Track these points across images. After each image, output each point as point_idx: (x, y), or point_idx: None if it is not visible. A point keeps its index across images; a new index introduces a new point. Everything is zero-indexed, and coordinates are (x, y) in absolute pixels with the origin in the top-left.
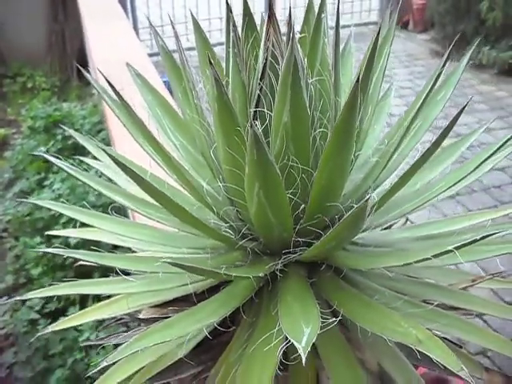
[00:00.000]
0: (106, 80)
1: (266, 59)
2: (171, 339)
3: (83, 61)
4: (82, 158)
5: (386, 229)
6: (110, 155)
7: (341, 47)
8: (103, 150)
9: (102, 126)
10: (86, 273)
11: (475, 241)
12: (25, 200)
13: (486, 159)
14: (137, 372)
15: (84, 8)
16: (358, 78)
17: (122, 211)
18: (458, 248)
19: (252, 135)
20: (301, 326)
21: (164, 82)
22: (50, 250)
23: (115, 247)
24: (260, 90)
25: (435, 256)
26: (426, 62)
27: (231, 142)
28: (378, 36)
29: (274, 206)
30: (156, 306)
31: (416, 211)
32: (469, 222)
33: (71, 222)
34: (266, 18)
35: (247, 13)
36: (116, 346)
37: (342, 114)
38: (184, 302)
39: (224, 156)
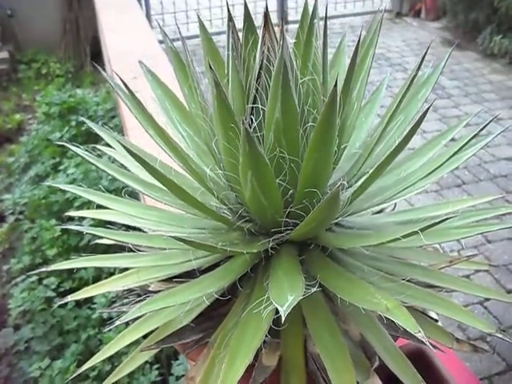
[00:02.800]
0: (122, 81)
1: (262, 62)
2: (175, 304)
3: (97, 48)
4: (98, 147)
5: (377, 213)
6: (123, 146)
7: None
8: (117, 140)
9: (115, 112)
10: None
11: (434, 224)
12: (54, 185)
13: (455, 153)
14: (146, 336)
15: None
16: (336, 83)
17: (133, 195)
18: (422, 230)
19: (244, 130)
20: (285, 294)
21: None
22: (72, 226)
23: (126, 230)
24: (256, 89)
25: (404, 236)
26: (437, 51)
27: (228, 136)
28: (359, 39)
29: (265, 191)
30: (163, 280)
31: (398, 198)
32: (452, 208)
33: (85, 206)
34: (261, 25)
35: (247, 17)
36: (127, 325)
37: (322, 112)
38: (188, 277)
39: (223, 148)
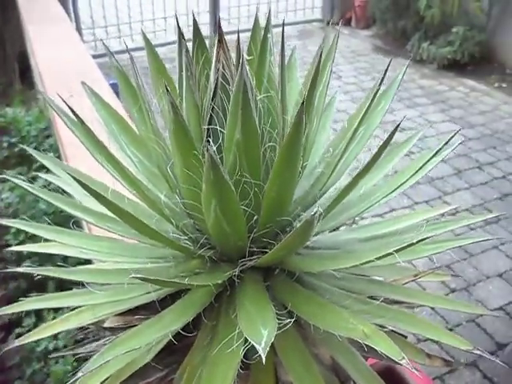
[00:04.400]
0: (68, 106)
1: (217, 80)
2: (140, 346)
3: (25, 64)
4: (40, 174)
5: (334, 230)
6: (75, 178)
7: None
8: (69, 173)
9: (49, 131)
10: (39, 282)
11: (412, 244)
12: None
13: (420, 168)
14: (106, 379)
15: (24, 10)
16: (303, 102)
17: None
18: (397, 251)
19: (209, 158)
20: (259, 328)
21: (110, 84)
22: (20, 269)
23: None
24: (212, 109)
25: (378, 258)
26: (370, 58)
27: (188, 163)
28: (321, 54)
29: (229, 219)
30: (119, 314)
31: (363, 214)
32: (409, 221)
33: (22, 232)
34: (215, 41)
35: (197, 34)
36: (75, 354)
37: (288, 134)
38: (146, 309)
39: (181, 175)
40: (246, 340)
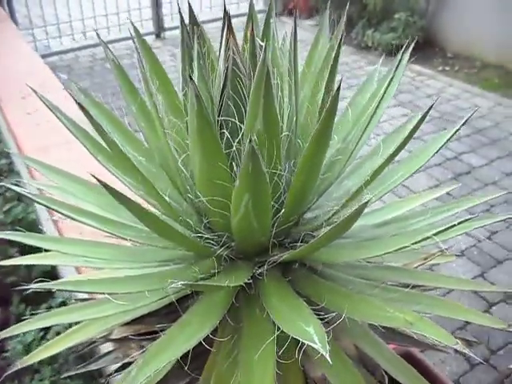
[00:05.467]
0: (78, 104)
1: (227, 68)
2: (175, 358)
3: None
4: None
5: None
6: (106, 186)
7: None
8: (100, 181)
9: None
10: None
11: (453, 226)
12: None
13: (439, 149)
14: None
15: None
16: (339, 88)
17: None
18: (436, 234)
19: (249, 150)
20: (301, 326)
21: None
22: (34, 285)
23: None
24: (223, 98)
25: (415, 243)
26: None
27: (213, 158)
28: (338, 49)
29: (259, 213)
30: (126, 324)
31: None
32: (409, 206)
33: None
34: (224, 28)
35: (196, 26)
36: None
37: (320, 124)
38: (152, 316)
39: (199, 170)
40: (277, 340)
